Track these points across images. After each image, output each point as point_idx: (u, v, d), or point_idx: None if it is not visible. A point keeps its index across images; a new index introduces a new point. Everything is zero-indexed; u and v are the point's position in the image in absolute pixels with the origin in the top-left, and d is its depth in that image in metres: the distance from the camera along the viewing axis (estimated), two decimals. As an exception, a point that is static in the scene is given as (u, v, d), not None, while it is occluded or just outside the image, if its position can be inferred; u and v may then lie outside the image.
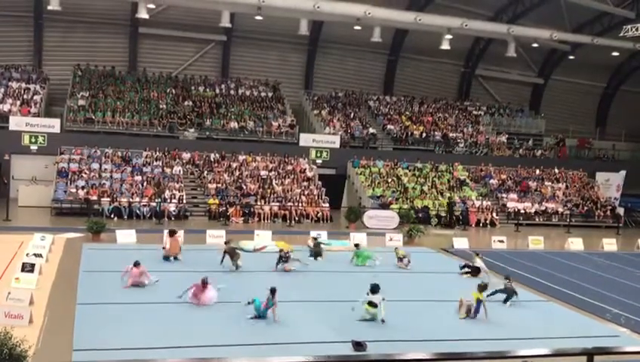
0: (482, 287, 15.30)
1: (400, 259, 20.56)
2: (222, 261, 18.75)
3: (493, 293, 16.21)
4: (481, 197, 34.71)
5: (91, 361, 11.01)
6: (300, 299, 15.89)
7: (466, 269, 19.76)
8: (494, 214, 33.44)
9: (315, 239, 21.91)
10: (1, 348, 9.79)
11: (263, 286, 14.48)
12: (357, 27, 37.49)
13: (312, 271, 19.14)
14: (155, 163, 32.48)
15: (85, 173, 30.47)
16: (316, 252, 20.99)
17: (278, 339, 12.76)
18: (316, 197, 32.06)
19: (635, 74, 47.49)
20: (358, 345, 12.50)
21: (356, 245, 21.53)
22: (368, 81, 44.55)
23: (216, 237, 22.99)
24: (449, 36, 37.06)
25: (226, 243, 19.71)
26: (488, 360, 6.85)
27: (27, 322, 12.73)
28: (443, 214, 32.29)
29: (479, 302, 14.94)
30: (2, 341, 9.87)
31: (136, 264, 16.19)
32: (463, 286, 17.59)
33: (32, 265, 16.27)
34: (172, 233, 20.11)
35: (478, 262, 19.58)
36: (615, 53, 42.97)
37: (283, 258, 19.01)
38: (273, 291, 13.96)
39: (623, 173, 37.40)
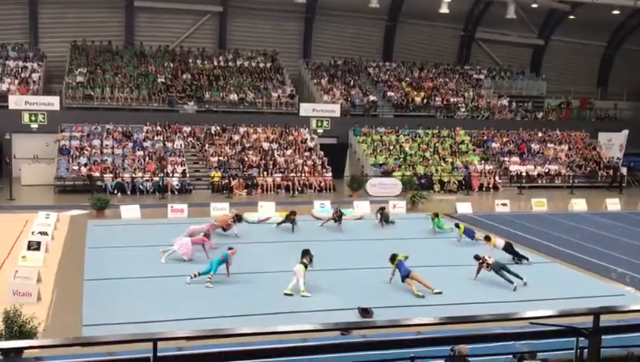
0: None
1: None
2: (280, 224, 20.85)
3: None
4: (483, 162, 34.66)
5: (101, 336, 11.13)
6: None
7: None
8: (497, 178, 33.40)
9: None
10: (11, 325, 9.92)
11: (268, 256, 14.49)
12: (354, -7, 37.07)
13: (318, 241, 19.22)
14: (156, 137, 32.40)
15: (87, 150, 30.44)
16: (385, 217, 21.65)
17: (284, 308, 12.87)
18: (319, 167, 32.04)
19: (636, 32, 46.90)
20: (365, 312, 12.62)
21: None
22: (367, 47, 44.11)
23: (220, 209, 22.94)
24: (447, -1, 36.62)
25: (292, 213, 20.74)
26: (494, 322, 6.89)
27: (35, 299, 12.85)
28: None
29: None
30: (12, 318, 9.99)
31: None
32: (465, 251, 17.67)
33: (38, 243, 16.37)
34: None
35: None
36: (615, 12, 42.42)
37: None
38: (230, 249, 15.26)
39: (625, 132, 37.11)
